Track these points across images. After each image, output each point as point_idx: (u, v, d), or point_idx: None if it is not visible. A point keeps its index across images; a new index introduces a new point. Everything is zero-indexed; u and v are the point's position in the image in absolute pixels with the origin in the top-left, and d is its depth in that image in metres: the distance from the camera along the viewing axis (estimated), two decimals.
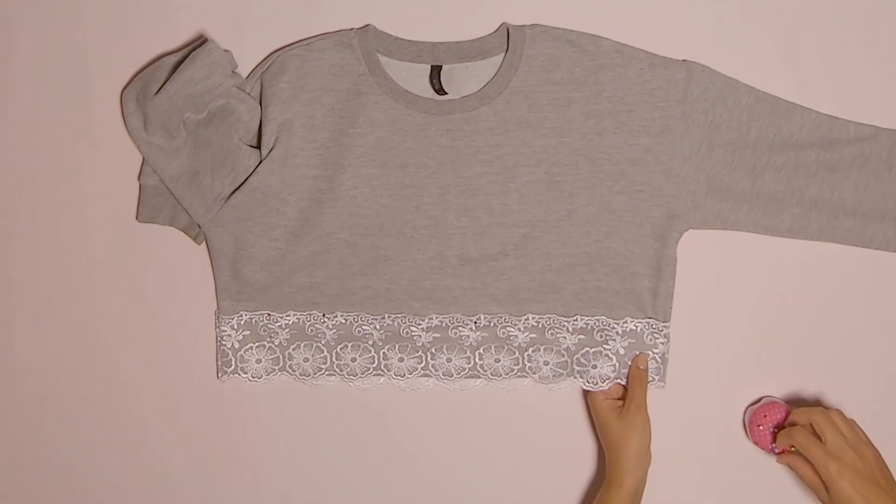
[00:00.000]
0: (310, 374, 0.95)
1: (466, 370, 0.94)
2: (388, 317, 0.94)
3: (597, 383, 0.93)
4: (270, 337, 0.95)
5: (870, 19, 0.97)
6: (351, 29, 0.95)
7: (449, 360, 0.94)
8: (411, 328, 0.94)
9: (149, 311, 0.98)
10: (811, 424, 0.88)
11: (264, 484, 0.98)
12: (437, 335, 0.94)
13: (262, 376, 0.95)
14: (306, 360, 0.95)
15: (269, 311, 0.94)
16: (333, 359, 0.94)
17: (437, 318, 0.94)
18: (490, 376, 0.94)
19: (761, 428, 0.91)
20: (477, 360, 0.94)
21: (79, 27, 0.99)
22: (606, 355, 0.93)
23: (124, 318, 0.98)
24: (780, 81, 0.96)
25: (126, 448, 0.98)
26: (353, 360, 0.94)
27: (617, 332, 0.93)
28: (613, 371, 0.93)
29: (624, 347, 0.93)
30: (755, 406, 0.94)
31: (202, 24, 0.99)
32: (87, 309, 0.98)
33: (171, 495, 0.98)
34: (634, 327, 0.93)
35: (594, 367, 0.93)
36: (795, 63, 0.97)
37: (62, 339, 0.99)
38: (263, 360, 0.95)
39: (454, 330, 0.94)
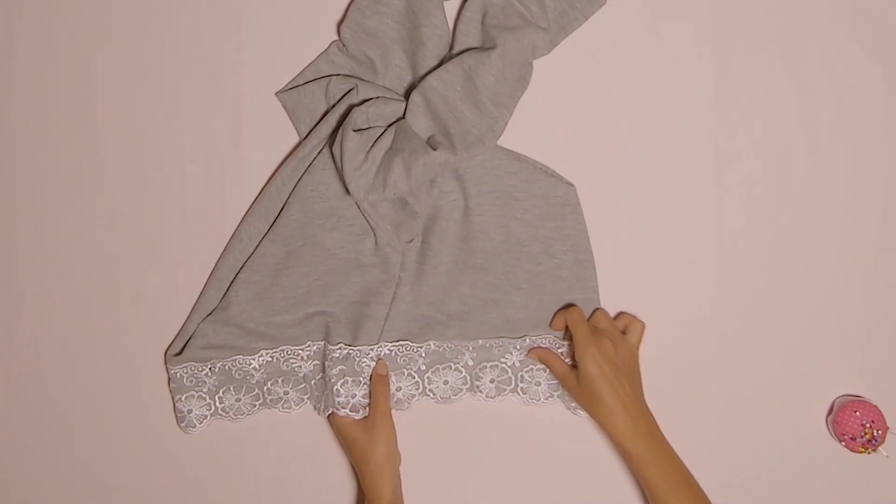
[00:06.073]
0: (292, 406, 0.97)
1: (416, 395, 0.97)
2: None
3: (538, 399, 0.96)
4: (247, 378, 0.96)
5: (870, 19, 0.97)
6: None
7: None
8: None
9: (149, 310, 0.98)
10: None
11: (263, 481, 0.98)
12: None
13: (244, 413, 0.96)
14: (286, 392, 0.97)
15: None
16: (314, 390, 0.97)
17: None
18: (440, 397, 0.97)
19: (857, 414, 0.93)
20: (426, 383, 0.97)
21: (79, 27, 0.99)
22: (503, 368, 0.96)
23: (124, 317, 0.98)
24: (781, 81, 0.96)
25: (127, 448, 0.98)
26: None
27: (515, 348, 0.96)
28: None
29: (520, 361, 0.96)
30: (848, 399, 0.95)
31: (202, 24, 0.98)
32: (88, 309, 0.98)
33: (172, 495, 0.98)
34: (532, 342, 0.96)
35: (537, 384, 0.96)
36: (795, 63, 0.97)
37: (62, 339, 0.98)
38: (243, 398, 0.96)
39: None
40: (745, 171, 0.97)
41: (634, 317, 0.95)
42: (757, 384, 0.97)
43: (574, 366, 0.91)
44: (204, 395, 0.96)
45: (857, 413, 0.93)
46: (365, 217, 0.94)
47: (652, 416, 0.89)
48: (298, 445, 0.98)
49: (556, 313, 0.94)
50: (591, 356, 0.88)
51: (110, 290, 0.98)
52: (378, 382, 0.93)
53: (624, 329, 0.94)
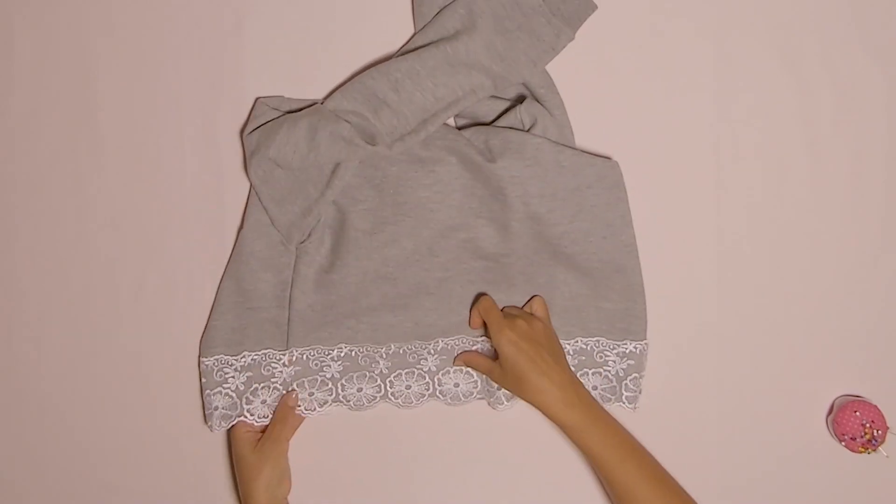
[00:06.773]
0: (315, 408, 0.96)
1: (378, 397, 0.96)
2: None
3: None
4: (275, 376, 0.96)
5: (870, 19, 0.97)
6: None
7: (361, 389, 0.96)
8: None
9: (149, 310, 0.98)
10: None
11: None
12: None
13: (267, 416, 0.95)
14: (311, 393, 0.96)
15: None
16: (339, 390, 0.96)
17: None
18: (401, 402, 0.96)
19: (857, 414, 0.93)
20: (388, 386, 0.96)
21: (79, 27, 0.99)
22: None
23: (125, 318, 0.98)
24: (781, 81, 0.97)
25: (128, 448, 0.98)
26: (360, 389, 0.96)
27: (567, 352, 0.95)
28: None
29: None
30: (848, 400, 0.95)
31: (202, 24, 0.98)
32: (88, 309, 0.98)
33: (174, 495, 0.98)
34: (584, 346, 0.95)
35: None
36: (795, 63, 0.97)
37: (62, 339, 0.98)
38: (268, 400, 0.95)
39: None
40: (745, 172, 0.97)
41: (532, 297, 0.95)
42: (757, 384, 0.97)
43: (496, 357, 0.91)
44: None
45: (857, 413, 0.93)
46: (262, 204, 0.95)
47: (582, 385, 0.89)
48: (299, 447, 0.97)
49: (470, 311, 0.94)
50: (508, 338, 0.87)
51: (110, 290, 0.98)
52: (283, 410, 0.94)
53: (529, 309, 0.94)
